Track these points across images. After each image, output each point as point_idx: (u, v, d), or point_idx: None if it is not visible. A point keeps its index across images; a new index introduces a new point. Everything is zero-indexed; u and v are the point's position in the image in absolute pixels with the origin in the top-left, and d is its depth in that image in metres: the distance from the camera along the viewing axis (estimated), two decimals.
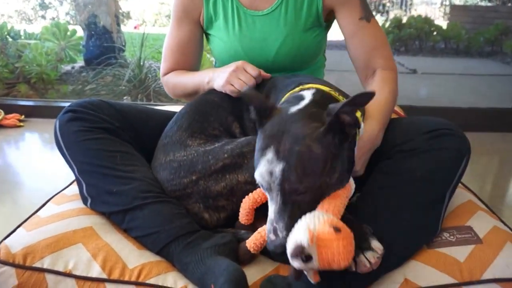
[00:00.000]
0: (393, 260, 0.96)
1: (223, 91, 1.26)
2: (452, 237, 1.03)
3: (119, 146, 1.14)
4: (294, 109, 0.92)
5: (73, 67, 3.77)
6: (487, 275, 0.94)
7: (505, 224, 1.10)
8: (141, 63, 3.36)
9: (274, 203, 0.86)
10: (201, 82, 1.34)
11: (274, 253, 0.86)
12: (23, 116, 2.95)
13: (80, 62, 3.77)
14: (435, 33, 3.01)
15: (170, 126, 1.23)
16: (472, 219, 1.09)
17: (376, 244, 0.88)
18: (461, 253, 0.99)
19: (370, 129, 1.07)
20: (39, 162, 2.31)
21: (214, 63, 1.60)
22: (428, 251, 1.01)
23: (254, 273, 0.99)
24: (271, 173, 0.84)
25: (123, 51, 3.74)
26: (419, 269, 0.97)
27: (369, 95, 0.81)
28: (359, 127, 0.97)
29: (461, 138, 1.04)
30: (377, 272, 0.93)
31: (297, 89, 1.08)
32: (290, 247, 0.79)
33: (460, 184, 1.25)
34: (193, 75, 1.41)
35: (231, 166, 1.08)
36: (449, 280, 0.94)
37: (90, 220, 1.10)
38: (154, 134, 1.24)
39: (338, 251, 0.78)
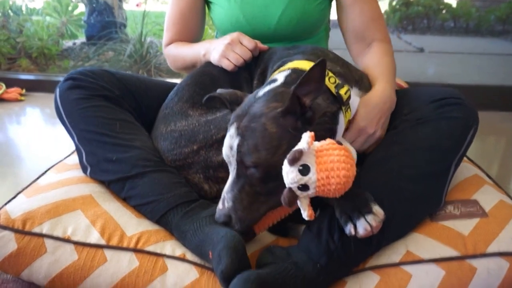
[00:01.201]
0: (394, 231, 0.93)
1: (219, 65, 1.21)
2: (456, 210, 0.99)
3: (119, 114, 1.11)
4: (262, 91, 0.93)
5: (74, 43, 3.70)
6: (491, 249, 0.91)
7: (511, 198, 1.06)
8: (143, 39, 3.29)
9: (230, 176, 0.89)
10: (197, 55, 1.30)
11: (217, 221, 0.90)
12: (24, 90, 2.92)
13: (82, 39, 3.72)
14: (444, 11, 2.89)
15: (170, 97, 1.19)
16: (478, 193, 1.05)
17: (377, 208, 0.84)
18: (465, 226, 0.95)
19: (381, 88, 1.08)
20: (40, 137, 2.29)
21: (215, 34, 1.54)
22: (431, 223, 0.97)
23: (252, 245, 0.97)
24: (231, 147, 0.88)
25: (125, 26, 3.67)
26: (422, 241, 0.94)
27: (320, 66, 0.80)
28: (344, 105, 0.96)
29: (469, 107, 0.99)
30: (378, 242, 0.90)
31: (282, 68, 1.04)
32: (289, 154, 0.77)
33: (466, 159, 1.20)
34: (191, 47, 1.37)
35: None
36: (452, 253, 0.91)
37: (89, 188, 1.08)
38: (154, 105, 1.21)
39: (339, 159, 0.74)
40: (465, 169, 1.14)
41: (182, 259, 0.94)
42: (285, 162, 0.77)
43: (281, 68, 1.02)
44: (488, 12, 2.71)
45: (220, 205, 0.89)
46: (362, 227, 0.83)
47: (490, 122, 2.37)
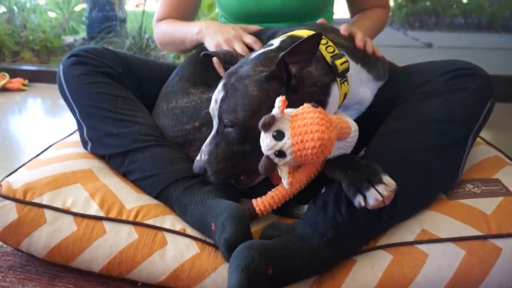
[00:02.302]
0: (407, 206, 0.85)
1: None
2: (476, 188, 0.90)
3: (121, 91, 1.07)
4: (255, 53, 0.90)
5: (75, 39, 3.76)
6: None
7: None
8: (142, 33, 3.27)
9: (213, 130, 0.89)
10: (189, 32, 1.23)
11: (194, 171, 0.90)
12: (27, 81, 2.93)
13: (83, 35, 3.76)
14: (454, 6, 2.71)
15: (172, 76, 1.16)
16: (500, 173, 0.96)
17: (388, 179, 0.77)
18: (487, 204, 0.86)
19: None
20: (41, 126, 2.28)
21: (219, 18, 1.47)
22: (448, 201, 0.89)
23: (254, 223, 0.90)
24: (215, 101, 0.87)
25: (125, 22, 3.71)
26: (439, 219, 0.85)
27: (315, 39, 0.77)
28: (339, 76, 0.89)
29: (484, 78, 0.91)
30: (389, 217, 0.82)
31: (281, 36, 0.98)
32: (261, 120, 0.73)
33: (483, 141, 1.11)
34: (183, 24, 1.30)
35: None
36: (473, 232, 0.82)
37: (89, 163, 1.04)
38: (156, 84, 1.17)
39: (313, 122, 0.68)
40: (484, 151, 1.05)
41: (182, 233, 0.88)
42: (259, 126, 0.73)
43: (280, 36, 0.96)
44: (502, 6, 2.54)
45: (197, 157, 0.89)
46: (373, 197, 0.75)
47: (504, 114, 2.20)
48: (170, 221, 0.91)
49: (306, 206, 0.89)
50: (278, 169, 0.74)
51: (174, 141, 1.02)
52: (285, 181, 0.74)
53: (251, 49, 1.09)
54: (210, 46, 1.14)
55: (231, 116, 0.83)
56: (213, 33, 1.15)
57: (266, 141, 0.72)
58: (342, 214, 0.79)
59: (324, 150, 0.70)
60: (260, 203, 0.89)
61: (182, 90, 1.08)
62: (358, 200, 0.76)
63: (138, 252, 0.86)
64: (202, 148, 0.89)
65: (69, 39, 3.73)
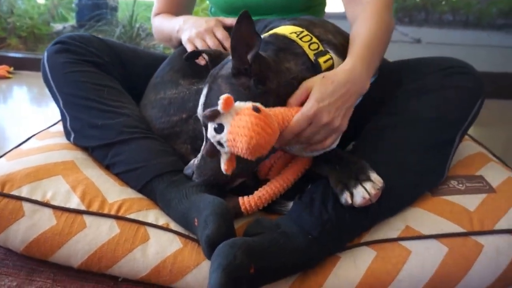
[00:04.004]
0: (393, 204, 0.82)
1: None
2: (461, 185, 0.88)
3: (107, 81, 1.01)
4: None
5: (64, 27, 3.58)
6: (501, 225, 0.79)
7: None
8: (133, 22, 3.14)
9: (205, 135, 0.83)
10: (172, 30, 1.16)
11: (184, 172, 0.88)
12: (12, 68, 2.80)
13: (72, 23, 3.57)
14: (443, 2, 2.69)
15: (162, 67, 1.09)
16: (484, 169, 0.93)
17: (375, 176, 0.74)
18: (471, 201, 0.84)
19: (349, 65, 0.81)
20: (26, 114, 2.18)
21: (210, 8, 1.42)
22: (432, 198, 0.86)
23: (238, 218, 0.86)
24: (200, 105, 0.83)
25: (116, 10, 3.51)
26: (422, 216, 0.83)
27: (243, 21, 0.70)
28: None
29: (475, 77, 0.88)
30: (375, 214, 0.79)
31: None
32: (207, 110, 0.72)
33: (468, 137, 1.08)
34: (170, 20, 1.22)
35: None
36: (456, 228, 0.79)
37: (71, 154, 0.98)
38: (144, 75, 1.11)
39: (247, 126, 0.67)
40: (469, 147, 1.02)
41: (165, 228, 0.84)
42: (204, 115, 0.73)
43: (264, 34, 0.90)
44: (490, 4, 2.53)
45: (192, 161, 0.86)
46: (360, 195, 0.72)
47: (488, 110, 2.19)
48: (154, 215, 0.86)
49: (291, 203, 0.86)
50: (221, 157, 0.74)
51: (161, 133, 0.97)
52: (222, 167, 0.74)
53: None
54: (184, 41, 1.09)
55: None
56: (188, 28, 1.09)
57: (209, 131, 0.72)
58: (328, 212, 0.76)
59: (254, 152, 0.69)
60: (246, 202, 0.85)
61: (171, 81, 1.03)
62: (345, 198, 0.74)
63: (119, 247, 0.82)
64: (199, 154, 0.86)
65: (58, 26, 3.55)
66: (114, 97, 0.99)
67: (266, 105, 0.73)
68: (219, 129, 0.70)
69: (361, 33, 0.87)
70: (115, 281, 0.86)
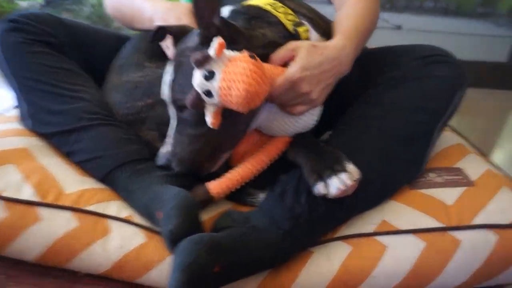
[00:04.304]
0: (369, 197, 0.78)
1: None
2: (439, 178, 0.84)
3: (63, 63, 0.93)
4: None
5: (30, 4, 3.41)
6: (478, 220, 0.76)
7: (499, 169, 0.90)
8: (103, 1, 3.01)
9: (172, 117, 0.77)
10: (139, 13, 1.02)
11: (157, 163, 0.80)
12: None
13: (39, 0, 3.40)
14: None
15: (127, 47, 1.01)
16: (463, 161, 0.90)
17: (352, 167, 0.70)
18: (449, 195, 0.80)
19: (340, 44, 0.78)
20: None
21: None
22: (410, 191, 0.82)
23: (207, 210, 0.81)
24: (166, 85, 0.76)
25: None
26: (400, 210, 0.79)
27: None
28: None
29: (457, 66, 0.84)
30: (350, 207, 0.75)
31: None
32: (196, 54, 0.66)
33: (448, 127, 1.05)
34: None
35: None
36: (434, 223, 0.76)
37: (26, 141, 0.90)
38: (106, 57, 1.02)
39: (243, 72, 0.64)
40: (448, 138, 0.98)
41: (127, 221, 0.78)
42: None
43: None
44: None
45: (162, 149, 0.78)
46: (335, 185, 0.68)
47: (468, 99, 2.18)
48: (116, 207, 0.80)
49: (262, 194, 0.81)
50: (207, 109, 0.68)
51: (125, 119, 0.90)
52: (208, 120, 0.68)
53: None
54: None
55: (183, 97, 0.71)
56: (161, 13, 0.98)
57: (196, 78, 0.66)
58: (301, 204, 0.71)
59: (249, 102, 0.65)
60: (216, 185, 0.79)
61: (136, 63, 0.95)
62: (319, 188, 0.69)
63: (78, 242, 0.75)
64: (165, 140, 0.79)
65: (23, 3, 3.39)
66: (72, 80, 0.91)
67: None
68: (210, 76, 0.64)
69: (350, 15, 0.86)
70: (75, 276, 0.80)
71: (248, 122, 0.77)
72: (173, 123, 0.77)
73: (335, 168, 0.69)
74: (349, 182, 0.68)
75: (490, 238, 0.74)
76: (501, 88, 2.35)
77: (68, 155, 0.88)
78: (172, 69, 0.74)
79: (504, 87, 2.36)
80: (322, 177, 0.70)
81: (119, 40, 1.06)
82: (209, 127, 0.70)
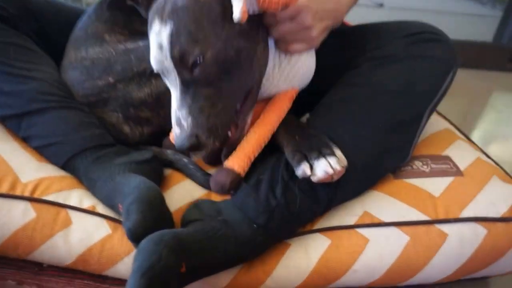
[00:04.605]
0: (351, 188, 0.72)
1: None
2: (425, 166, 0.79)
3: (14, 38, 0.83)
4: None
5: None
6: (467, 213, 0.71)
7: (489, 157, 0.85)
8: None
9: (175, 88, 0.64)
10: None
11: (182, 149, 0.63)
12: None
13: None
14: None
15: (87, 15, 0.90)
16: (451, 148, 0.84)
17: (340, 153, 0.64)
18: (436, 185, 0.75)
19: None
20: None
21: None
22: (395, 181, 0.77)
23: (179, 198, 0.76)
24: (160, 47, 0.62)
25: None
26: (383, 201, 0.74)
27: None
28: None
29: (448, 45, 0.77)
30: (330, 199, 0.69)
31: None
32: None
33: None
34: None
35: None
36: (419, 216, 0.71)
37: None
38: (65, 32, 0.92)
39: None
40: (435, 122, 0.92)
41: (90, 211, 0.72)
42: None
43: None
44: None
45: (176, 130, 0.62)
46: (322, 168, 0.61)
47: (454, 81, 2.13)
48: (78, 196, 0.73)
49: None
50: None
51: (85, 100, 0.82)
52: (237, 13, 0.58)
53: None
54: None
55: (196, 49, 0.59)
56: None
57: None
58: (277, 197, 0.65)
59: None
60: (236, 162, 0.69)
61: (95, 36, 0.86)
62: (303, 169, 0.62)
63: (37, 234, 0.69)
64: (175, 118, 0.64)
65: None
66: (25, 58, 0.82)
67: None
68: None
69: None
70: (39, 267, 0.74)
71: (261, 62, 0.69)
72: (176, 94, 0.64)
73: (323, 151, 0.63)
74: (337, 167, 0.61)
75: (478, 232, 0.70)
76: (485, 68, 2.31)
77: (25, 140, 0.80)
78: (161, 24, 0.62)
79: (489, 67, 2.32)
80: (307, 157, 0.63)
81: (82, 13, 0.95)
82: (238, 70, 0.63)
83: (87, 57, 0.83)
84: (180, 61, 0.60)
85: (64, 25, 0.92)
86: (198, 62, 0.60)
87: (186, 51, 0.59)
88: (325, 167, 0.62)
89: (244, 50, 0.63)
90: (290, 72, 0.74)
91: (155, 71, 0.65)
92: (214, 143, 0.63)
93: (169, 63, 0.61)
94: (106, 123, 0.81)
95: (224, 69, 0.62)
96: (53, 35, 0.92)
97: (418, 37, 0.76)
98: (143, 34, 0.86)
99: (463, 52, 0.83)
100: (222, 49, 0.61)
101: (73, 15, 0.95)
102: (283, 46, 0.72)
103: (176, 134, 0.62)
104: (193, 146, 0.61)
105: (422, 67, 0.74)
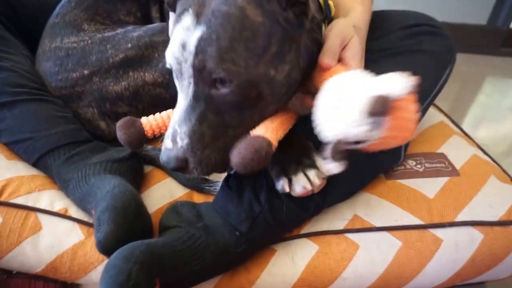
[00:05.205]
0: (340, 193, 0.67)
1: None
2: (419, 166, 0.73)
3: None
4: None
5: None
6: (462, 216, 0.66)
7: (486, 153, 0.80)
8: None
9: (184, 97, 0.53)
10: None
11: (166, 166, 0.54)
12: None
13: None
14: None
15: (65, 0, 0.84)
16: (446, 145, 0.79)
17: (321, 162, 0.57)
18: (430, 186, 0.70)
19: (359, 11, 0.67)
20: None
21: None
22: (386, 182, 0.72)
23: (159, 198, 0.71)
24: (183, 46, 0.51)
25: None
26: (374, 204, 0.69)
27: None
28: (327, 18, 0.63)
29: (447, 38, 0.71)
30: (317, 205, 0.64)
31: None
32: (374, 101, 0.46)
33: None
34: None
35: (136, 60, 0.75)
36: (412, 220, 0.66)
37: None
38: (41, 17, 0.85)
39: (410, 118, 0.48)
40: (430, 115, 0.86)
41: (62, 215, 0.66)
42: (356, 109, 0.47)
43: None
44: None
45: (168, 143, 0.54)
46: (300, 184, 0.56)
47: None
48: (49, 198, 0.68)
49: (220, 182, 0.69)
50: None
51: (58, 93, 0.76)
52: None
53: None
54: None
55: (225, 65, 0.49)
56: None
57: (360, 129, 0.47)
58: (261, 203, 0.60)
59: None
60: (148, 124, 0.62)
61: (73, 24, 0.80)
62: (282, 184, 0.57)
63: (3, 241, 0.64)
64: (171, 129, 0.54)
65: None
66: None
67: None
68: (376, 125, 0.46)
69: None
70: (8, 274, 0.69)
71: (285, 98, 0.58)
72: (182, 104, 0.54)
73: (303, 162, 0.57)
74: (317, 181, 0.56)
75: (474, 237, 0.65)
76: (479, 52, 2.25)
77: None
78: (195, 20, 0.51)
79: (482, 51, 2.27)
80: (286, 171, 0.57)
81: None
82: (254, 111, 0.53)
83: (62, 47, 0.77)
84: (199, 72, 0.51)
85: (39, 9, 0.86)
86: (223, 80, 0.51)
87: (212, 65, 0.50)
88: (303, 183, 0.56)
89: (270, 96, 0.54)
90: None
91: (167, 66, 0.55)
92: (199, 174, 0.55)
93: (187, 68, 0.52)
94: (81, 119, 0.76)
95: (245, 103, 0.53)
96: (24, 19, 0.85)
97: (415, 30, 0.71)
98: (127, 24, 0.79)
99: (456, 35, 0.78)
100: (252, 81, 0.51)
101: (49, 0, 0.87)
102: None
103: (166, 147, 0.55)
104: (179, 169, 0.54)
105: (419, 63, 0.69)
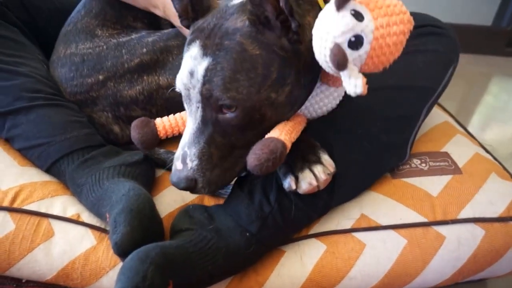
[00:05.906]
0: (347, 192, 0.68)
1: None
2: (424, 164, 0.74)
3: (1, 30, 0.78)
4: (235, 0, 0.59)
5: None
6: (465, 213, 0.67)
7: (488, 152, 0.81)
8: None
9: (193, 121, 0.58)
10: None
11: (176, 187, 0.57)
12: None
13: None
14: None
15: (77, 10, 0.86)
16: (450, 144, 0.80)
17: (327, 158, 0.59)
18: (434, 185, 0.71)
19: None
20: None
21: None
22: (392, 181, 0.73)
23: (170, 202, 0.72)
24: (191, 74, 0.56)
25: None
26: (380, 202, 0.70)
27: None
28: None
29: (451, 39, 0.73)
30: (325, 204, 0.65)
31: None
32: None
33: None
34: None
35: (151, 64, 0.76)
36: (417, 218, 0.67)
37: None
38: (56, 21, 0.87)
39: (397, 3, 0.50)
40: (434, 115, 0.87)
41: (74, 221, 0.67)
42: (331, 7, 0.50)
43: None
44: None
45: (178, 165, 0.58)
46: (306, 180, 0.57)
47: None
48: (61, 204, 0.69)
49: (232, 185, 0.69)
50: (344, 72, 0.50)
51: (73, 98, 0.78)
52: (359, 83, 0.49)
53: None
54: None
55: (230, 93, 0.53)
56: None
57: (343, 21, 0.49)
58: (271, 203, 0.61)
59: (401, 47, 0.51)
60: (162, 125, 0.66)
61: (86, 31, 0.81)
62: (289, 182, 0.58)
63: (15, 248, 0.65)
64: (180, 150, 0.58)
65: None
66: (10, 51, 0.77)
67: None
68: (359, 17, 0.48)
69: None
70: (18, 282, 0.70)
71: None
72: (192, 127, 0.58)
73: (309, 159, 0.58)
74: (322, 176, 0.57)
75: (476, 234, 0.66)
76: (484, 53, 2.25)
77: (8, 141, 0.75)
78: (202, 51, 0.55)
79: (488, 52, 2.27)
80: (292, 169, 0.59)
81: (74, 2, 0.90)
82: (257, 131, 0.56)
83: (77, 53, 0.78)
84: (207, 99, 0.55)
85: (53, 13, 0.87)
86: (228, 106, 0.54)
87: (218, 93, 0.53)
88: (309, 179, 0.58)
89: (273, 116, 0.57)
90: (322, 101, 0.67)
91: (177, 89, 0.59)
92: (207, 192, 0.60)
93: (195, 94, 0.56)
94: (95, 123, 0.77)
95: (249, 125, 0.56)
96: (40, 24, 0.86)
97: (420, 31, 0.72)
98: (136, 30, 0.81)
99: (461, 36, 0.79)
100: (254, 107, 0.54)
101: (64, 3, 0.90)
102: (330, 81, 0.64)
103: (176, 167, 0.58)
104: (188, 189, 0.58)
105: (424, 63, 0.70)
